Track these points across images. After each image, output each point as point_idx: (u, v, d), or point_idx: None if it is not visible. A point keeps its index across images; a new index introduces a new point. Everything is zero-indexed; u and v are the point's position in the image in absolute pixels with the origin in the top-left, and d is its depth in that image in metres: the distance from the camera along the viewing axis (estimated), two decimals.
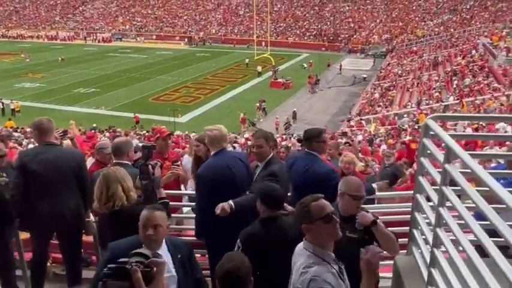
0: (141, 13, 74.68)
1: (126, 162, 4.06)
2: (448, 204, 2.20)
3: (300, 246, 2.57)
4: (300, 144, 5.64)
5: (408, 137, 15.13)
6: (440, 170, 2.21)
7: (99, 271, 2.86)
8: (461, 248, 1.94)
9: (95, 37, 67.68)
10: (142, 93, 36.29)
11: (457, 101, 23.86)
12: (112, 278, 1.43)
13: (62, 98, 34.94)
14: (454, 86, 27.90)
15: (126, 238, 2.87)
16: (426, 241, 2.52)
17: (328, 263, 2.42)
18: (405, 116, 24.47)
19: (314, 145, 4.19)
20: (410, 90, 31.77)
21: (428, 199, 2.49)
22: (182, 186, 5.57)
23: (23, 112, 30.89)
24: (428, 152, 2.53)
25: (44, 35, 69.55)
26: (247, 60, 46.56)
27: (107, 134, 19.13)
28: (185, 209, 5.35)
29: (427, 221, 2.49)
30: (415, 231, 2.77)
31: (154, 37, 67.39)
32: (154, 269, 1.74)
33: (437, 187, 2.22)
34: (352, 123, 26.10)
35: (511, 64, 28.18)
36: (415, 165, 7.56)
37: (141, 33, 68.84)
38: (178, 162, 5.40)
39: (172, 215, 4.93)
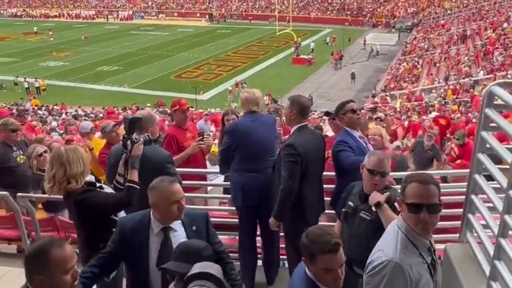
0: None
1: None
2: None
3: (395, 220, 2.33)
4: (327, 117, 5.38)
5: (435, 113, 14.67)
6: (509, 145, 1.97)
7: (110, 247, 2.74)
8: None
9: (116, 15, 67.62)
10: (164, 70, 36.29)
11: (488, 76, 22.99)
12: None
13: (86, 76, 35.24)
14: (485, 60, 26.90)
15: (135, 213, 2.76)
16: (487, 228, 2.26)
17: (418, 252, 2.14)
18: (433, 91, 23.79)
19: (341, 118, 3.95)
20: (438, 65, 30.83)
21: (488, 179, 2.25)
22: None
23: (48, 90, 31.34)
24: (493, 124, 2.24)
25: (67, 13, 69.86)
26: (312, 45, 42.11)
27: (129, 111, 19.18)
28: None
29: (489, 205, 2.24)
30: (471, 217, 2.52)
31: (175, 14, 66.96)
32: None
33: (507, 166, 1.98)
34: (376, 99, 25.56)
35: None
36: (452, 144, 7.27)
37: (162, 11, 68.48)
38: (207, 135, 5.27)
39: (194, 194, 4.87)
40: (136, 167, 3.21)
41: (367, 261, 2.20)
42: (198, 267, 1.23)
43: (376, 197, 2.81)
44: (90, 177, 3.20)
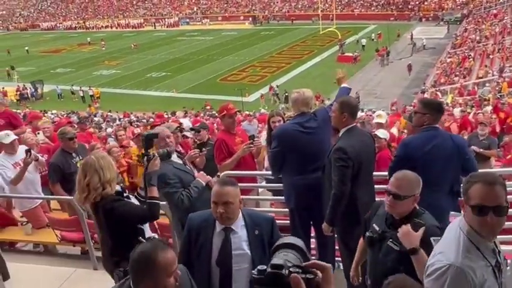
0: None
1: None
2: None
3: (456, 221, 2.16)
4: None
5: (490, 107, 14.03)
6: None
7: (182, 246, 2.87)
8: None
9: (163, 22, 69.55)
10: (210, 74, 36.95)
11: None
12: (265, 286, 1.16)
13: (137, 83, 36.53)
14: None
15: (203, 211, 2.81)
16: None
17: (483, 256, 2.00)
18: (487, 84, 22.74)
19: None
20: (491, 56, 29.39)
21: None
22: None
23: (102, 98, 32.76)
24: None
25: (117, 23, 72.64)
26: (364, 42, 41.92)
27: (178, 114, 19.64)
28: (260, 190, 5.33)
29: None
30: None
31: (219, 18, 67.99)
32: (320, 274, 1.27)
33: None
34: (426, 95, 24.75)
35: None
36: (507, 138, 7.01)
37: (206, 16, 69.73)
38: (257, 138, 5.35)
39: (245, 197, 4.93)
40: (154, 184, 3.25)
41: (427, 264, 2.11)
42: (282, 240, 1.30)
43: (411, 240, 2.51)
44: (117, 187, 3.25)
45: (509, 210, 3.71)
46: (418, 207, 2.69)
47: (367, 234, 2.79)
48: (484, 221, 1.93)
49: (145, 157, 3.29)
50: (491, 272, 1.98)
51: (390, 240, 2.64)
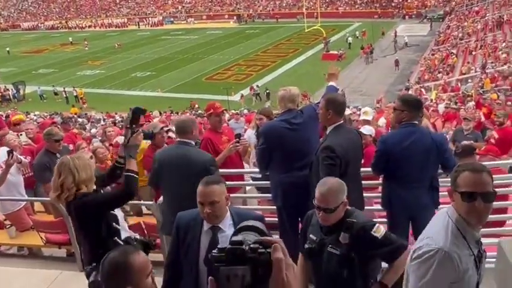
0: None
1: (190, 141, 3.92)
2: None
3: (444, 209, 2.21)
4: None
5: (473, 103, 14.24)
6: None
7: (170, 246, 2.85)
8: None
9: (147, 22, 69.02)
10: (195, 73, 36.80)
11: None
12: (226, 263, 1.09)
13: (121, 82, 36.20)
14: None
15: (192, 210, 2.75)
16: None
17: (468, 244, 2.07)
18: (469, 81, 23.06)
19: None
20: (474, 53, 29.83)
21: None
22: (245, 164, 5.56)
23: (86, 98, 32.37)
24: None
25: (101, 23, 71.83)
26: (350, 40, 41.95)
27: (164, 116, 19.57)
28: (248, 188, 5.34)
29: None
30: None
31: (204, 17, 67.71)
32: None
33: None
34: (411, 92, 24.98)
35: None
36: (494, 132, 7.11)
37: (190, 15, 69.37)
38: (245, 136, 5.32)
39: (233, 195, 4.92)
40: (133, 157, 3.20)
41: (413, 248, 2.16)
42: (242, 223, 1.26)
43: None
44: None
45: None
46: (348, 207, 2.69)
47: (306, 246, 2.76)
48: (472, 207, 2.00)
49: (129, 130, 3.23)
50: (473, 261, 2.06)
51: (330, 246, 2.63)
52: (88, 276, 3.03)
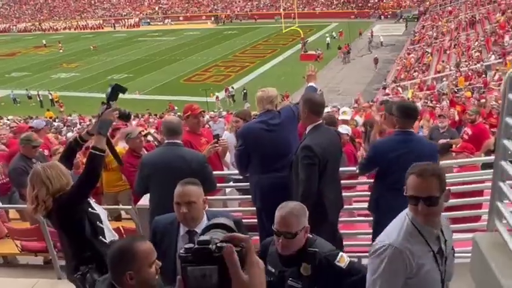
0: None
1: (179, 141, 3.84)
2: None
3: (406, 208, 2.21)
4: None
5: (447, 101, 14.54)
6: None
7: None
8: None
9: (123, 23, 68.17)
10: (173, 75, 36.51)
11: (500, 60, 22.69)
12: (194, 263, 1.07)
13: (97, 85, 35.52)
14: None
15: (169, 214, 2.72)
16: None
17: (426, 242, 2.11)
18: (444, 79, 23.54)
19: None
20: (448, 52, 30.47)
21: None
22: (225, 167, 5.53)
23: (63, 102, 31.74)
24: None
25: (76, 25, 70.60)
26: (328, 40, 42.11)
27: (142, 119, 19.37)
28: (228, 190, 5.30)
29: None
30: (500, 205, 2.48)
31: (181, 18, 67.26)
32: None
33: None
34: (387, 90, 25.38)
35: None
36: (467, 129, 7.25)
37: (167, 16, 68.87)
38: (223, 137, 5.29)
39: (213, 197, 4.87)
40: (103, 133, 3.06)
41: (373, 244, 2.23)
42: (211, 221, 1.23)
43: None
44: None
45: (463, 200, 3.81)
46: (309, 235, 2.51)
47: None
48: (416, 210, 2.07)
49: (105, 105, 3.13)
50: (431, 257, 2.11)
51: (290, 279, 2.43)
52: (82, 281, 2.92)
